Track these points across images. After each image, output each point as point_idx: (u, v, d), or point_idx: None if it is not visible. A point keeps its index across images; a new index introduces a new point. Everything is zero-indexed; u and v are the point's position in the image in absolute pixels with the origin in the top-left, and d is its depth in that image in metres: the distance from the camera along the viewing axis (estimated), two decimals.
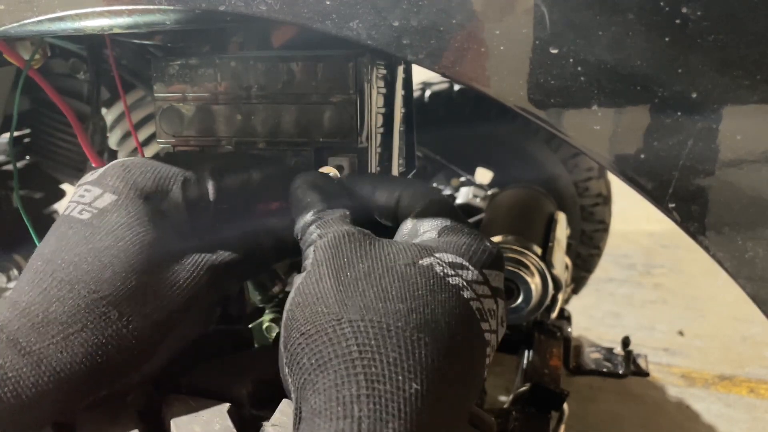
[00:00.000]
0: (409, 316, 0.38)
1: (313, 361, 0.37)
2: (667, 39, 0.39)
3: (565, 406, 0.82)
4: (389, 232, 0.49)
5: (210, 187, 0.53)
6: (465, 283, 0.42)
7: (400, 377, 0.35)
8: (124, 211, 0.48)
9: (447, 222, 0.47)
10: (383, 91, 0.64)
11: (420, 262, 0.42)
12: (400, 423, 0.33)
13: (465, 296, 0.41)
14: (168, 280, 0.46)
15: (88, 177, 0.52)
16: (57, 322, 0.42)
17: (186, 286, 0.47)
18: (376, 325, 0.37)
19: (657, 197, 0.41)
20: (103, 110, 0.97)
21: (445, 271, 0.42)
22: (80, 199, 0.50)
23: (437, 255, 0.43)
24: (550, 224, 1.09)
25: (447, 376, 0.37)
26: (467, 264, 0.43)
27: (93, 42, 0.82)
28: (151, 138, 0.96)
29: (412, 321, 0.38)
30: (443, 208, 0.48)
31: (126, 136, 0.99)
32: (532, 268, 0.92)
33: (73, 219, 0.48)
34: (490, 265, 0.45)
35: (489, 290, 0.43)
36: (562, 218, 1.15)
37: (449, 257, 0.43)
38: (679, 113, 0.40)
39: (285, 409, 0.45)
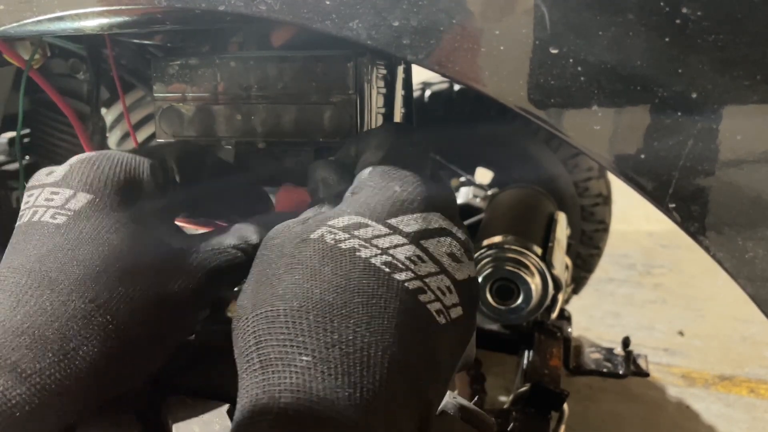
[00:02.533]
0: (296, 295, 0.39)
1: (236, 354, 0.40)
2: (667, 39, 0.39)
3: (565, 406, 0.82)
4: None
5: (174, 166, 0.53)
6: (362, 242, 0.41)
7: (289, 354, 0.36)
8: (104, 211, 0.46)
9: (365, 173, 0.46)
10: (383, 91, 0.64)
11: (311, 236, 0.42)
12: (291, 393, 0.34)
13: (362, 255, 0.40)
14: (164, 284, 0.45)
15: (48, 178, 0.49)
16: (54, 339, 0.40)
17: (179, 288, 0.46)
18: (268, 314, 0.39)
19: (657, 197, 0.41)
20: (103, 110, 0.97)
21: (337, 237, 0.41)
22: (48, 203, 0.47)
23: (330, 222, 0.42)
24: (550, 224, 1.09)
25: (345, 339, 0.37)
26: (367, 221, 0.42)
27: (92, 42, 0.82)
28: (150, 138, 0.96)
29: (298, 298, 0.39)
30: (383, 147, 0.48)
31: (125, 137, 0.99)
32: (532, 268, 0.92)
33: (47, 225, 0.45)
34: (400, 211, 0.43)
35: (402, 238, 0.42)
36: (562, 218, 1.15)
37: (344, 220, 0.42)
38: (679, 113, 0.40)
39: None
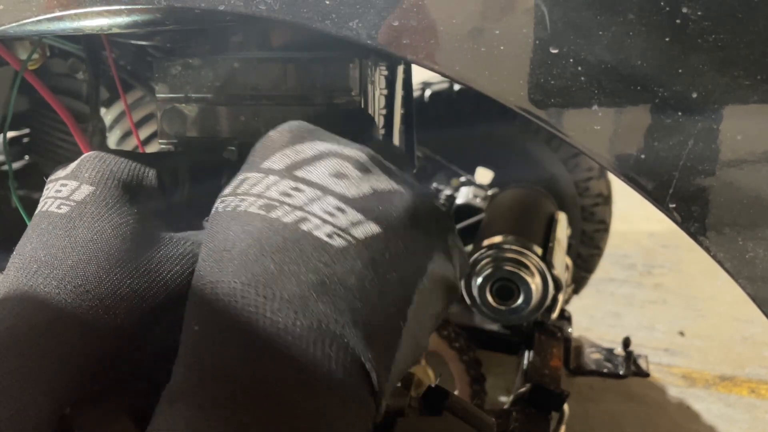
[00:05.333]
0: (208, 268, 0.41)
1: None
2: (667, 39, 0.39)
3: (566, 406, 0.81)
4: None
5: (186, 176, 0.54)
6: (241, 197, 0.43)
7: (204, 335, 0.39)
8: (102, 202, 0.48)
9: None
10: (385, 92, 0.64)
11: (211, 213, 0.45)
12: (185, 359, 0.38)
13: (241, 209, 0.42)
14: (153, 272, 0.46)
15: (61, 172, 0.52)
16: (47, 321, 0.42)
17: (170, 278, 0.47)
18: (193, 290, 0.42)
19: (657, 197, 0.41)
20: (102, 110, 0.97)
21: (225, 202, 0.44)
22: (56, 194, 0.50)
23: (222, 194, 0.45)
24: (551, 224, 1.09)
25: (234, 291, 0.39)
26: (246, 175, 0.44)
27: (91, 43, 0.82)
28: (148, 139, 0.95)
29: (210, 271, 0.41)
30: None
31: (125, 137, 0.99)
32: (533, 268, 0.92)
33: (51, 214, 0.48)
34: (270, 152, 0.45)
35: (274, 176, 0.43)
36: (562, 218, 1.15)
37: (231, 186, 0.45)
38: (679, 113, 0.40)
39: None
